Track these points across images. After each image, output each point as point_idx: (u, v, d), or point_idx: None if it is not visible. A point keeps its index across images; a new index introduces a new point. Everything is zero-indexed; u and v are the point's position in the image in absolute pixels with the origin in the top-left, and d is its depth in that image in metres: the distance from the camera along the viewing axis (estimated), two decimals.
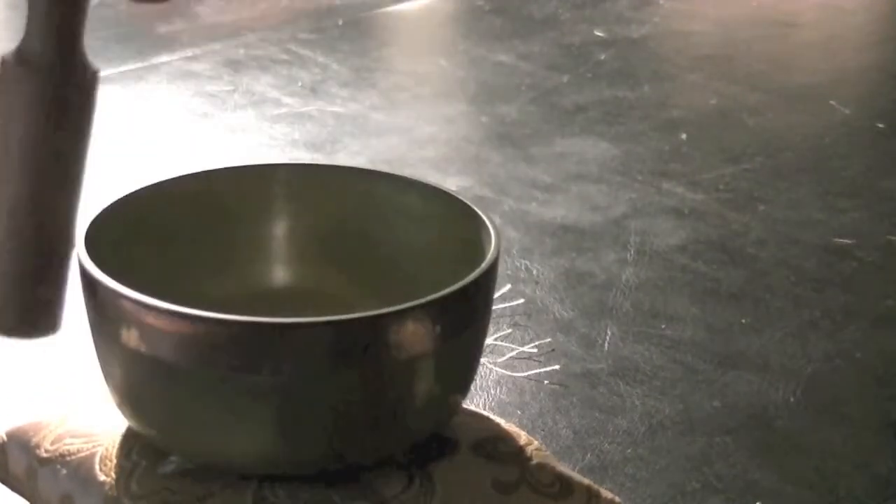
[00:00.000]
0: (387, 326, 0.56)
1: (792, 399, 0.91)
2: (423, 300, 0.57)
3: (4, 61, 0.53)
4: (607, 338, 0.98)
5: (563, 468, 0.66)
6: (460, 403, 0.65)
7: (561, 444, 0.84)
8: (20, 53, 0.52)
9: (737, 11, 2.04)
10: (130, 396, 0.60)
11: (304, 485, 0.60)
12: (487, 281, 0.61)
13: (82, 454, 0.63)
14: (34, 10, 0.52)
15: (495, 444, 0.65)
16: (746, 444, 0.85)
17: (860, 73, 1.78)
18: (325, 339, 0.55)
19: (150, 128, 1.45)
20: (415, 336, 0.56)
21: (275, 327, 0.54)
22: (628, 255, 1.14)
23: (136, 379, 0.58)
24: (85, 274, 0.58)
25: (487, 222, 0.64)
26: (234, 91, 1.59)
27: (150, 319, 0.55)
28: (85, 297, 0.60)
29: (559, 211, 1.23)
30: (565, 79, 1.66)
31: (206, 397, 0.56)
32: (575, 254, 1.14)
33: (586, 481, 0.65)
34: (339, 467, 0.59)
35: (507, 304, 1.02)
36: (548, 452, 0.67)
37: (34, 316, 0.55)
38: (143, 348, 0.56)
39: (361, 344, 0.55)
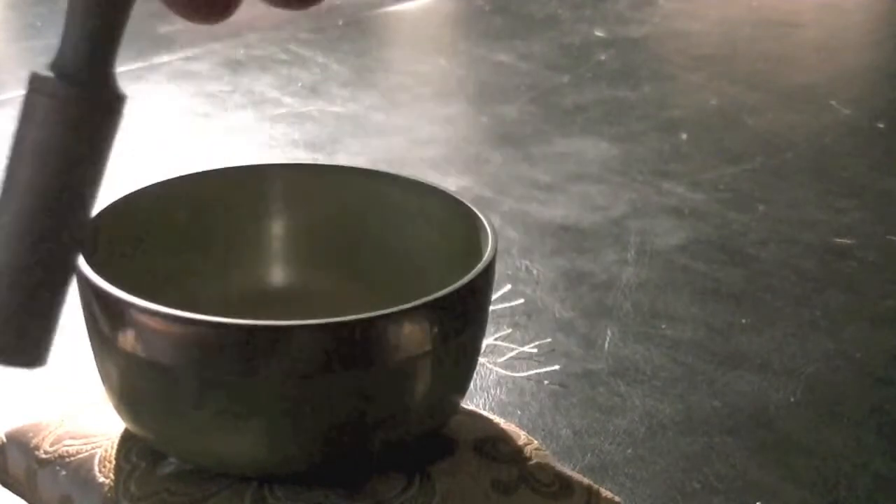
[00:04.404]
0: (384, 328, 0.55)
1: (792, 399, 0.91)
2: (420, 301, 0.57)
3: (34, 76, 0.53)
4: (607, 338, 0.98)
5: (563, 468, 0.66)
6: (459, 404, 0.65)
7: (561, 444, 0.84)
8: (52, 71, 0.53)
9: (737, 11, 2.04)
10: (127, 399, 0.60)
11: (303, 485, 0.60)
12: (485, 282, 0.61)
13: (81, 456, 0.63)
14: (70, 31, 0.52)
15: (495, 444, 0.65)
16: (746, 444, 0.85)
17: (860, 73, 1.78)
18: (322, 341, 0.55)
19: (150, 128, 1.45)
20: (412, 337, 0.56)
21: (271, 330, 0.54)
22: (628, 255, 1.14)
23: (132, 382, 0.58)
24: (81, 276, 0.58)
25: (485, 222, 0.64)
26: (234, 91, 1.59)
27: (146, 322, 0.55)
28: (81, 299, 0.60)
29: (559, 211, 1.23)
30: (565, 79, 1.66)
31: (204, 400, 0.56)
32: (575, 254, 1.14)
33: (586, 481, 0.65)
34: (337, 469, 0.59)
35: (507, 304, 1.02)
36: (547, 452, 0.67)
37: (24, 344, 0.54)
38: (139, 351, 0.56)
39: (359, 346, 0.55)
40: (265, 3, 0.50)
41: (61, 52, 0.53)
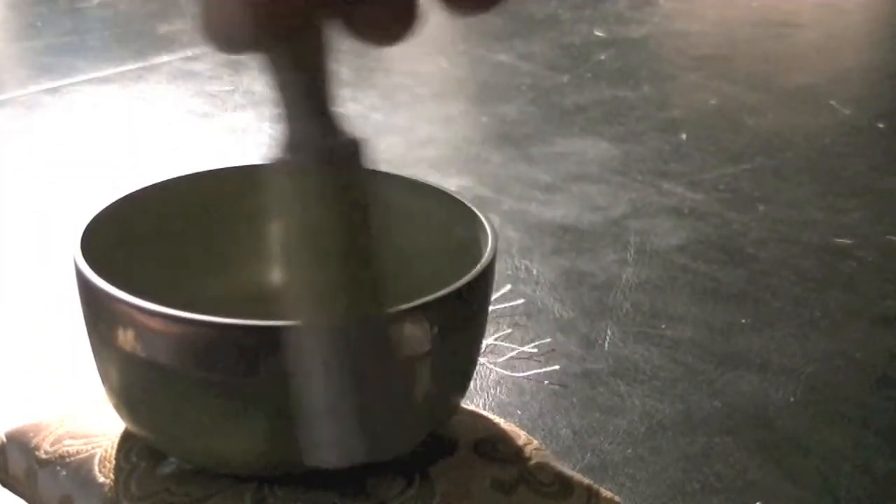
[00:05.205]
0: (384, 328, 0.55)
1: (792, 399, 0.90)
2: (419, 301, 0.56)
3: (278, 161, 0.51)
4: (607, 338, 0.98)
5: (563, 468, 0.66)
6: (459, 403, 0.64)
7: (561, 444, 0.84)
8: (291, 147, 0.51)
9: (737, 11, 2.04)
10: (127, 399, 0.60)
11: (303, 486, 0.59)
12: (484, 282, 0.61)
13: (82, 455, 0.63)
14: (293, 102, 0.49)
15: (494, 444, 0.65)
16: (746, 444, 0.85)
17: (860, 73, 1.78)
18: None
19: (150, 128, 1.45)
20: (412, 337, 0.56)
21: (271, 330, 0.54)
22: (628, 255, 1.14)
23: (132, 382, 0.58)
24: (80, 276, 0.58)
25: (485, 222, 0.64)
26: (234, 91, 1.59)
27: (146, 322, 0.55)
28: (81, 299, 0.59)
29: (559, 211, 1.23)
30: (565, 79, 1.66)
31: (203, 400, 0.56)
32: (575, 254, 1.14)
33: (586, 481, 0.65)
34: (337, 469, 0.59)
35: (507, 304, 1.02)
36: (547, 452, 0.66)
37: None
38: (138, 351, 0.56)
39: (358, 346, 0.55)
40: (443, 8, 0.47)
41: (291, 132, 0.50)
